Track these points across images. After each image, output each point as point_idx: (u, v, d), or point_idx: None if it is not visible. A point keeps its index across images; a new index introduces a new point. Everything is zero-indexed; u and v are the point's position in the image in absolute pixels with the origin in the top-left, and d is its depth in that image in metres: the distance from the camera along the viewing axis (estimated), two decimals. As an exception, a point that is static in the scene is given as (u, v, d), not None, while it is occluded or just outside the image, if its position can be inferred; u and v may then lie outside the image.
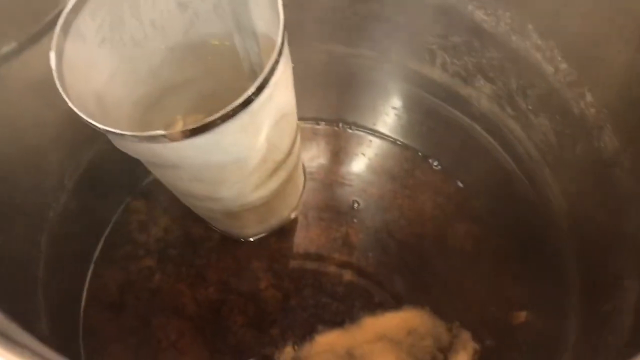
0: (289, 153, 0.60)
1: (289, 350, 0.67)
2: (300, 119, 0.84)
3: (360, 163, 0.83)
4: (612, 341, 0.45)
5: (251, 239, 0.75)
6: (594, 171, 0.56)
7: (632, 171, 0.50)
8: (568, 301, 0.60)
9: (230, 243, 0.76)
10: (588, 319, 0.54)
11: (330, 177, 0.82)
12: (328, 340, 0.67)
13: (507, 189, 0.71)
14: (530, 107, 0.63)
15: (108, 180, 0.71)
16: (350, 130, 0.85)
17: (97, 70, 0.53)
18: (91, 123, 0.44)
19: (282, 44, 0.46)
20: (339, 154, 0.84)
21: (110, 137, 0.47)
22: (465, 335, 0.68)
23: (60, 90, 0.45)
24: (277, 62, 0.46)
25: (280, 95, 0.49)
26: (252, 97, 0.45)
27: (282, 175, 0.62)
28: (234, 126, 0.46)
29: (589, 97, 0.54)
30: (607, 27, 0.50)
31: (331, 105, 0.83)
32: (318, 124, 0.86)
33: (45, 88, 0.46)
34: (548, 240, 0.65)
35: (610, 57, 0.50)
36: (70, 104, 0.44)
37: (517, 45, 0.59)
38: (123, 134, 0.44)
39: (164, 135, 0.43)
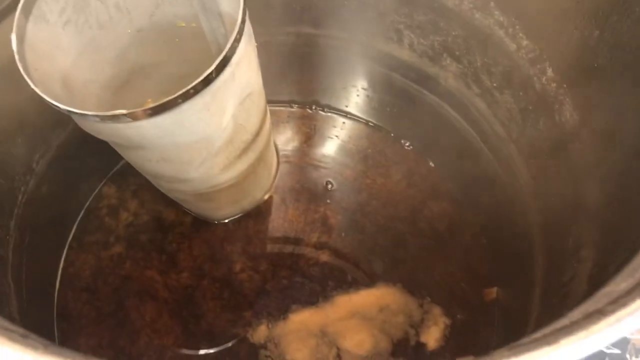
0: (257, 134, 0.60)
1: (262, 329, 0.68)
2: (274, 102, 0.85)
3: (334, 145, 0.83)
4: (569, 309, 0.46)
5: (225, 221, 0.76)
6: (556, 146, 0.57)
7: (590, 144, 0.51)
8: (533, 276, 0.61)
9: (203, 227, 0.76)
10: (549, 292, 0.56)
11: (305, 159, 0.83)
12: (302, 318, 0.68)
13: (476, 167, 0.72)
14: (495, 85, 0.64)
15: (79, 166, 0.71)
16: (323, 113, 0.85)
17: (62, 52, 0.53)
18: (53, 104, 0.44)
19: (243, 22, 0.46)
20: (313, 136, 0.85)
21: (74, 117, 0.47)
22: (437, 311, 0.69)
23: (22, 72, 0.45)
24: (237, 40, 0.46)
25: (243, 74, 0.50)
26: (213, 75, 0.45)
27: (251, 156, 0.62)
28: (197, 105, 0.46)
29: (549, 73, 0.55)
30: (565, 2, 0.50)
31: (304, 88, 0.84)
32: (292, 107, 0.86)
33: (10, 71, 0.46)
34: (516, 216, 0.67)
35: (568, 33, 0.51)
36: (32, 85, 0.45)
37: (480, 22, 0.60)
38: (85, 114, 0.44)
39: (125, 115, 0.43)
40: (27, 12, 0.48)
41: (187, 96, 0.44)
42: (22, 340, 0.19)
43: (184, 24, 0.61)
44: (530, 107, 0.60)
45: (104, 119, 0.44)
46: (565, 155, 0.55)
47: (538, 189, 0.62)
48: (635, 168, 0.43)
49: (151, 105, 0.44)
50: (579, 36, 0.50)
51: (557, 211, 0.57)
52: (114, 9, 0.57)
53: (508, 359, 0.21)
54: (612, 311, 0.22)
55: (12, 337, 0.19)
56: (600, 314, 0.21)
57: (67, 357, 0.18)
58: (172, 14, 0.60)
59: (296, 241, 0.75)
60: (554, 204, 0.58)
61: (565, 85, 0.54)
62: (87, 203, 0.77)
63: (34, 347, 0.19)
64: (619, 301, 0.22)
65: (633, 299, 0.22)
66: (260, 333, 0.68)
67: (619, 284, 0.26)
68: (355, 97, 0.82)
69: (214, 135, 0.53)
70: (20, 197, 0.61)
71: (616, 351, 0.69)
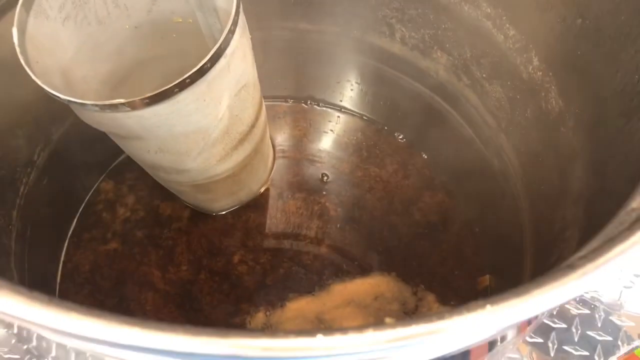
0: (253, 125, 0.62)
1: (260, 316, 0.69)
2: (269, 97, 0.86)
3: (329, 139, 0.85)
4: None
5: (222, 213, 0.77)
6: (542, 132, 0.58)
7: (574, 129, 0.53)
8: (523, 261, 0.62)
9: (201, 220, 0.77)
10: (537, 275, 0.57)
11: (301, 153, 0.84)
12: (298, 306, 0.69)
13: (468, 157, 0.74)
14: (484, 75, 0.65)
15: (79, 160, 0.72)
16: (318, 107, 0.87)
17: (61, 47, 0.55)
18: (53, 94, 0.46)
19: (237, 14, 0.48)
20: (308, 130, 0.86)
21: (73, 108, 0.48)
22: (430, 298, 0.70)
23: (23, 64, 0.47)
24: (232, 32, 0.48)
25: (237, 65, 0.51)
26: (208, 65, 0.47)
27: (247, 147, 0.63)
28: (193, 94, 0.48)
29: (535, 62, 0.57)
30: (548, -8, 0.52)
31: (299, 83, 0.85)
32: (287, 102, 0.88)
33: (11, 65, 0.47)
34: (506, 204, 0.68)
35: (552, 22, 0.52)
36: (32, 76, 0.46)
37: (469, 14, 0.62)
38: (84, 104, 0.45)
39: (123, 104, 0.45)
40: (27, 7, 0.50)
41: (183, 85, 0.46)
42: (28, 293, 0.20)
43: (180, 20, 0.62)
44: (518, 96, 0.61)
45: (103, 108, 0.46)
46: (551, 142, 0.57)
47: (526, 176, 0.63)
48: (616, 149, 0.45)
49: (149, 94, 0.46)
50: (562, 25, 0.51)
51: (544, 196, 0.59)
52: (112, 5, 0.58)
53: (483, 309, 0.22)
54: (581, 265, 0.23)
55: (18, 290, 0.20)
56: (569, 268, 0.23)
57: (70, 309, 0.20)
58: (169, 10, 0.61)
59: (293, 232, 0.76)
60: (541, 189, 0.60)
61: (550, 74, 0.55)
62: (87, 198, 0.78)
63: (40, 300, 0.20)
64: (588, 257, 0.24)
65: (600, 255, 0.24)
66: (257, 320, 0.69)
67: (592, 247, 0.28)
68: (350, 91, 0.84)
69: (210, 126, 0.54)
70: (22, 188, 0.62)
71: (608, 338, 0.71)
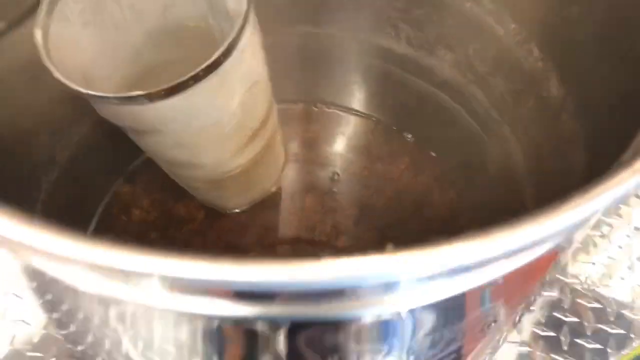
0: (265, 122, 0.64)
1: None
2: (279, 101, 0.88)
3: (339, 140, 0.87)
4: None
5: (236, 211, 0.79)
6: (545, 121, 0.60)
7: (575, 114, 0.54)
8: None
9: (216, 220, 0.79)
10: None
11: (312, 155, 0.86)
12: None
13: (474, 153, 0.75)
14: (487, 70, 0.67)
15: (98, 161, 0.75)
16: (328, 110, 0.89)
17: (81, 50, 0.58)
18: (75, 88, 0.48)
19: (248, 10, 0.51)
20: (319, 133, 0.88)
21: (93, 102, 0.51)
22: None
23: (47, 63, 0.50)
24: (243, 27, 0.50)
25: (248, 61, 0.54)
26: (221, 58, 0.49)
27: (259, 143, 0.66)
28: (207, 87, 0.50)
29: (536, 52, 0.59)
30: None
31: (308, 86, 0.88)
32: (297, 104, 0.90)
33: (34, 68, 0.50)
34: (512, 195, 0.69)
35: (549, 11, 0.55)
36: (55, 74, 0.49)
37: (471, 11, 0.64)
38: (105, 96, 0.48)
39: (142, 95, 0.48)
40: (50, 11, 0.52)
41: (197, 78, 0.49)
42: (60, 229, 0.22)
43: (193, 24, 0.65)
44: (521, 87, 0.63)
45: (122, 100, 0.48)
46: (553, 129, 0.58)
47: (530, 165, 0.65)
48: (613, 129, 0.46)
49: (165, 86, 0.48)
50: (558, 13, 0.53)
51: (548, 183, 0.60)
52: (129, 11, 0.61)
53: (478, 237, 0.24)
54: (570, 199, 0.25)
55: (49, 227, 0.22)
56: (561, 202, 0.25)
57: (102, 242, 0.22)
58: (182, 15, 0.64)
59: (306, 230, 0.78)
60: (545, 176, 0.61)
61: (550, 63, 0.58)
62: (105, 199, 0.80)
63: (71, 235, 0.22)
64: (580, 192, 0.26)
65: (593, 187, 0.26)
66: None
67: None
68: (358, 92, 0.86)
69: (223, 120, 0.57)
70: (44, 186, 0.65)
71: (621, 331, 0.71)
